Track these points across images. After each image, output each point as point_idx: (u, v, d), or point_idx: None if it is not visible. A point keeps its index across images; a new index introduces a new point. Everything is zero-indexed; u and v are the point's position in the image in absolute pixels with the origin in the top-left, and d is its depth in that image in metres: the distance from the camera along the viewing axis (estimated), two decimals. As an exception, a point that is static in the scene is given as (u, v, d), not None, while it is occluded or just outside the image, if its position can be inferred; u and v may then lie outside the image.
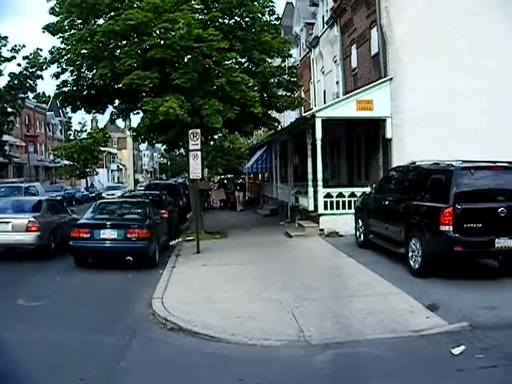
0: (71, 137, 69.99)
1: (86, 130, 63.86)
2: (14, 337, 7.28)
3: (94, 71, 16.55)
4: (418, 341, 6.95)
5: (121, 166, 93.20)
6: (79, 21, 17.02)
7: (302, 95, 26.94)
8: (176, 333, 7.64)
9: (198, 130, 14.83)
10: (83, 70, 17.48)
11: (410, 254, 10.58)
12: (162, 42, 15.42)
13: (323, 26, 24.67)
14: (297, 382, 5.68)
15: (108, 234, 12.53)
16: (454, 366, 6.01)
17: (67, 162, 58.34)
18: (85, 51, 16.31)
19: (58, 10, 16.83)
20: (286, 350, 6.76)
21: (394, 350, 6.62)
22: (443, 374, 5.87)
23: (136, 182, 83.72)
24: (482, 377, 5.77)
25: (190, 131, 14.77)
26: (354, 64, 20.71)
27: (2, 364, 6.09)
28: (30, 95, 42.25)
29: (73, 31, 16.89)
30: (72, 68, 17.17)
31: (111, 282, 11.36)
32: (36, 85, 32.70)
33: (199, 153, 14.82)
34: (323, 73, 25.80)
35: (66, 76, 17.64)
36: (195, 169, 14.86)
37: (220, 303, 8.93)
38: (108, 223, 12.78)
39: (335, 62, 23.34)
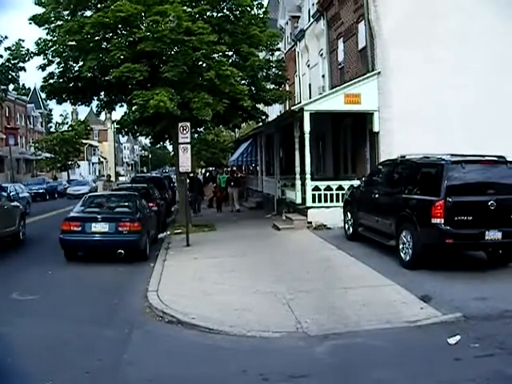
0: (52, 129, 69.11)
1: (67, 123, 62.99)
2: (13, 331, 7.25)
3: (82, 63, 16.41)
4: (414, 331, 7.10)
5: (102, 159, 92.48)
6: (66, 12, 16.87)
7: (287, 88, 26.96)
8: (174, 325, 7.68)
9: (188, 123, 14.80)
10: (70, 62, 17.32)
11: (401, 246, 10.75)
12: (152, 34, 15.33)
13: (309, 20, 24.71)
14: (300, 372, 5.75)
15: (99, 227, 12.45)
16: (450, 356, 6.14)
17: (48, 155, 57.68)
18: (72, 43, 16.16)
19: (44, 0, 16.64)
20: (285, 341, 6.85)
21: (391, 340, 6.76)
22: (441, 363, 6.00)
23: (117, 174, 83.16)
24: (479, 365, 5.91)
25: (180, 124, 14.74)
26: (340, 58, 20.81)
27: (5, 359, 6.09)
28: (10, 87, 41.67)
29: (59, 22, 16.73)
30: (59, 60, 17.02)
31: (103, 275, 11.30)
32: (18, 76, 32.27)
33: (189, 146, 14.82)
34: (309, 66, 25.86)
35: (52, 68, 17.53)
36: (185, 162, 14.83)
37: (215, 296, 8.98)
38: (99, 216, 12.72)
39: (321, 55, 23.41)
